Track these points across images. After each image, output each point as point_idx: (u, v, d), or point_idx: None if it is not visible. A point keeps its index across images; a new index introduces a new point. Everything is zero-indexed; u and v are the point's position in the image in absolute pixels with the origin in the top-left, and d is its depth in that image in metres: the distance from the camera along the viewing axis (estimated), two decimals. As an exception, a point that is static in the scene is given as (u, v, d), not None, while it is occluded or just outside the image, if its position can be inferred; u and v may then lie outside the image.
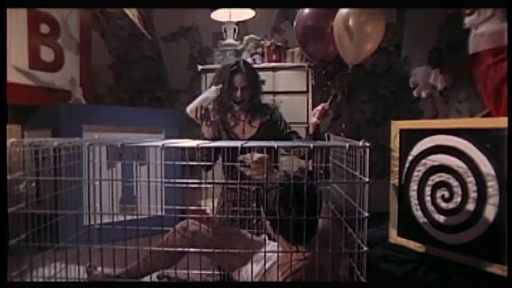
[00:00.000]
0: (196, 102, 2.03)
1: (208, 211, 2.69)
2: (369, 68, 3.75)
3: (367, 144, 1.36)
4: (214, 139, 2.09)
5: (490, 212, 1.78)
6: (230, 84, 2.11)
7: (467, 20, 2.24)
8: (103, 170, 2.04)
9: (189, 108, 2.03)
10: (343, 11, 2.04)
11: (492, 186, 1.77)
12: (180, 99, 3.98)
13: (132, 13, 2.10)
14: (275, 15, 3.74)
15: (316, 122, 2.05)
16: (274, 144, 1.36)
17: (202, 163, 1.98)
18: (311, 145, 1.36)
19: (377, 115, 3.81)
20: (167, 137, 3.10)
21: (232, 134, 2.18)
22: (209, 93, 2.07)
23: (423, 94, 2.32)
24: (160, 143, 1.40)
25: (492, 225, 1.77)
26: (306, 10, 2.39)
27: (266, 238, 1.87)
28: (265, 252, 1.50)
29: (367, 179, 1.37)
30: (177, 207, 1.93)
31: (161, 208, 1.59)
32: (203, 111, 1.98)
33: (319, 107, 2.05)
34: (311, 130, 2.08)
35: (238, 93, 2.11)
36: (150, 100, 4.01)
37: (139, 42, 3.87)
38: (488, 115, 2.27)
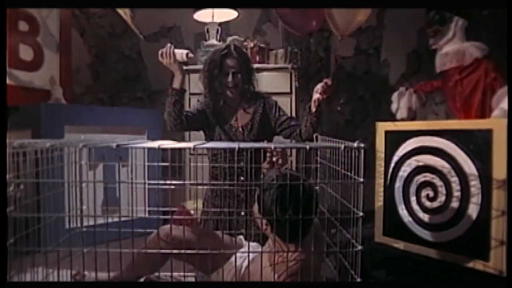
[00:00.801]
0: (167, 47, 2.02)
1: (192, 212, 2.69)
2: (349, 70, 3.81)
3: (362, 145, 1.39)
4: (183, 91, 2.07)
5: (473, 210, 1.85)
6: (221, 69, 2.06)
7: (432, 41, 2.34)
8: (85, 171, 2.00)
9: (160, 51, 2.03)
10: None
11: (475, 186, 1.84)
12: (160, 99, 3.94)
13: (124, 11, 2.06)
14: (257, 16, 3.76)
15: (318, 98, 1.94)
16: (271, 145, 1.38)
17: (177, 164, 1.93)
18: (308, 146, 1.38)
19: (356, 116, 3.88)
20: (150, 138, 3.06)
21: (224, 122, 2.13)
22: (182, 51, 2.05)
23: (405, 115, 2.39)
24: (156, 144, 1.38)
25: (474, 223, 1.85)
26: None
27: (242, 238, 1.87)
28: (261, 252, 1.50)
29: (361, 179, 1.40)
30: (162, 208, 1.92)
31: (158, 209, 1.57)
32: (170, 52, 1.98)
33: (322, 83, 1.94)
34: (313, 107, 1.99)
35: (230, 77, 2.05)
36: (130, 100, 3.94)
37: (119, 41, 3.81)
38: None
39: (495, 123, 1.78)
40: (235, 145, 1.37)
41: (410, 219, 2.10)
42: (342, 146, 1.42)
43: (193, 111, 2.16)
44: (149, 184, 1.85)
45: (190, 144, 1.42)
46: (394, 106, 2.48)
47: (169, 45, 2.02)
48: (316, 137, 2.12)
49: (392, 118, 3.59)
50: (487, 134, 1.79)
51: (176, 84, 2.08)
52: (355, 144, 1.41)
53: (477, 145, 1.83)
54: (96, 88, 3.86)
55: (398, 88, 2.48)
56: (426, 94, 2.45)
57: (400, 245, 2.15)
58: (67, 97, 2.99)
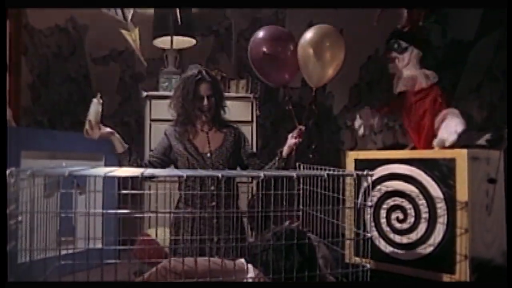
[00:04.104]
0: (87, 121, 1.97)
1: (157, 240, 2.62)
2: (296, 100, 4.05)
3: (371, 173, 1.55)
4: (129, 151, 2.05)
5: (440, 230, 2.10)
6: (196, 94, 2.07)
7: (390, 66, 2.64)
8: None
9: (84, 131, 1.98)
10: (307, 37, 2.23)
11: (441, 207, 2.10)
12: (106, 124, 3.80)
13: (132, 38, 1.98)
14: (211, 45, 3.85)
15: (295, 142, 2.10)
16: (293, 173, 1.45)
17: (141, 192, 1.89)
18: (325, 174, 1.49)
19: (301, 145, 4.09)
20: (107, 164, 2.95)
21: (192, 146, 2.12)
22: (94, 106, 1.97)
23: (367, 132, 2.63)
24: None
25: (441, 241, 2.09)
26: (261, 34, 2.47)
27: (244, 261, 1.90)
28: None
29: (370, 203, 1.55)
30: (120, 238, 1.82)
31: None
32: (93, 125, 1.95)
33: (297, 129, 2.13)
34: (286, 152, 2.12)
35: (205, 101, 2.08)
36: (72, 124, 3.73)
37: (65, 62, 3.63)
38: (414, 148, 2.64)
39: (458, 153, 2.06)
40: (187, 172, 1.39)
41: (381, 239, 2.29)
42: (354, 174, 1.56)
43: (160, 151, 2.13)
44: (108, 213, 1.73)
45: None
46: (357, 123, 2.69)
47: (86, 128, 1.98)
48: (299, 165, 2.24)
49: (335, 146, 3.91)
50: (450, 162, 2.07)
51: (119, 149, 2.07)
52: (365, 172, 1.57)
53: (442, 171, 2.10)
54: (35, 110, 3.61)
55: (364, 108, 2.71)
56: (386, 115, 2.72)
57: (371, 264, 2.32)
58: (16, 120, 2.77)
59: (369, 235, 1.54)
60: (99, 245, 1.69)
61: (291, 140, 2.14)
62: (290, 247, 1.42)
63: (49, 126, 3.65)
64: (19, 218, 1.50)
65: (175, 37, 3.26)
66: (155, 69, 3.52)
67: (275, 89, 4.11)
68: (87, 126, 1.94)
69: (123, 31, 1.95)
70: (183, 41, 3.35)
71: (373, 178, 2.34)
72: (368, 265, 1.54)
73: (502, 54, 3.30)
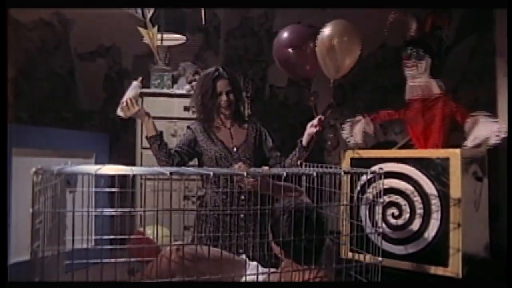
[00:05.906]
0: (123, 99, 2.06)
1: (151, 238, 2.61)
2: (282, 100, 4.11)
3: (383, 171, 1.62)
4: (161, 133, 2.10)
5: (433, 225, 2.21)
6: (214, 91, 2.13)
7: (408, 73, 2.67)
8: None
9: (119, 109, 2.06)
10: (326, 32, 2.28)
11: (435, 204, 2.21)
12: (90, 120, 3.73)
13: (150, 36, 1.95)
14: (199, 43, 3.84)
15: (315, 131, 2.16)
16: (314, 172, 1.51)
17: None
18: (342, 172, 1.55)
19: (286, 143, 4.15)
20: (97, 162, 2.91)
21: (219, 141, 2.17)
22: (133, 87, 2.10)
23: (360, 139, 2.67)
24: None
25: (435, 236, 2.21)
26: (285, 35, 2.53)
27: (246, 259, 1.95)
28: (293, 270, 1.60)
29: (381, 200, 1.63)
30: (112, 236, 1.79)
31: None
32: (131, 103, 2.04)
33: (316, 118, 2.19)
34: (305, 141, 2.19)
35: (224, 97, 2.13)
36: (54, 120, 3.62)
37: (49, 57, 3.52)
38: (407, 143, 2.73)
39: (451, 152, 2.18)
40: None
41: (376, 235, 2.38)
42: (369, 171, 1.63)
43: (185, 142, 2.16)
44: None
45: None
46: (347, 133, 2.74)
47: (125, 99, 2.06)
48: (301, 163, 2.30)
49: (319, 145, 3.98)
50: (444, 162, 2.18)
51: (151, 132, 2.09)
52: (377, 170, 1.64)
53: (437, 170, 2.21)
54: (16, 105, 3.48)
55: (355, 117, 2.76)
56: (381, 123, 2.78)
57: (365, 259, 2.41)
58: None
59: (381, 229, 1.62)
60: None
61: (311, 128, 2.20)
62: (301, 221, 1.43)
63: (31, 122, 3.54)
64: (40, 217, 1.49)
65: (165, 34, 3.23)
66: (141, 66, 3.48)
67: (261, 88, 4.17)
68: (124, 104, 2.02)
69: (141, 29, 1.93)
70: (174, 38, 3.32)
71: (369, 176, 2.43)
72: (380, 259, 1.62)
73: (477, 59, 3.47)
